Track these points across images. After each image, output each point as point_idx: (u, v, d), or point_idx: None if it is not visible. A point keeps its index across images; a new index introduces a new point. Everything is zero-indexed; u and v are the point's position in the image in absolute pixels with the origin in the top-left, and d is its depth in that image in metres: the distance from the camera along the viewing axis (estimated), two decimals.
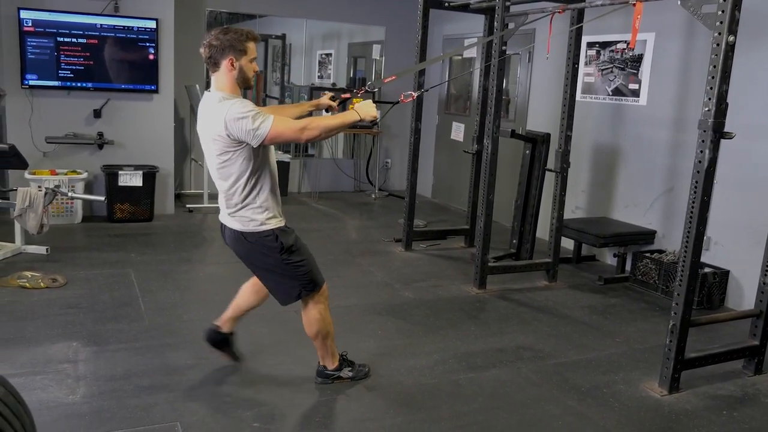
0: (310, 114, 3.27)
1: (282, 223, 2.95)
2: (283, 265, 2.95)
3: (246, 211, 2.86)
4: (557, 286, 5.11)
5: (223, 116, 2.66)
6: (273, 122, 2.67)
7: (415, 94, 3.33)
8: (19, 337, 3.62)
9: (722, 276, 4.79)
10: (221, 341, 3.38)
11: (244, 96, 2.90)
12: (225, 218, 2.98)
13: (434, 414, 3.07)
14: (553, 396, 3.30)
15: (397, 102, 3.33)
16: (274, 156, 3.00)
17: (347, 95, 3.33)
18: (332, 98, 3.26)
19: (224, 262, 5.37)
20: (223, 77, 2.78)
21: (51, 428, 2.76)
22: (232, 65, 2.75)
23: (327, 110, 3.28)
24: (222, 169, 2.82)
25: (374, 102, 3.00)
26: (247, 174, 2.80)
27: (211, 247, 5.85)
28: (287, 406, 3.09)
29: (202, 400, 3.06)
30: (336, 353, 3.28)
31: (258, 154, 2.79)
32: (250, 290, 3.33)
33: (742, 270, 4.73)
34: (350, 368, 3.30)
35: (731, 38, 3.05)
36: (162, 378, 3.25)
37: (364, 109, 2.91)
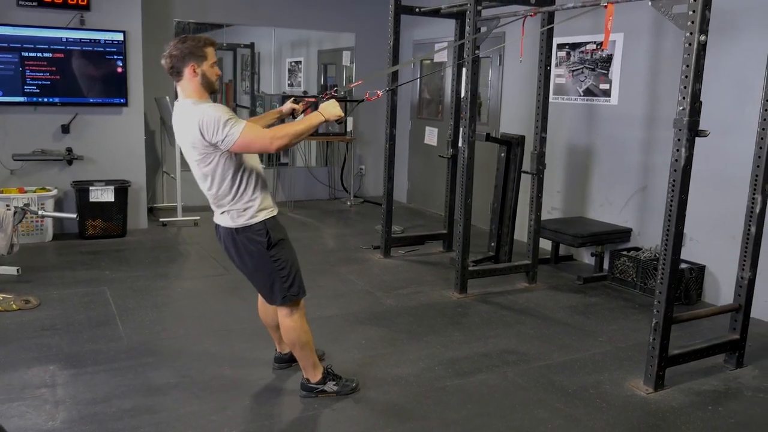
0: (277, 123, 3.27)
1: (273, 213, 3.01)
2: (271, 262, 2.99)
3: (236, 206, 2.92)
4: (537, 287, 5.13)
5: (198, 120, 2.73)
6: (243, 130, 2.73)
7: (380, 92, 3.37)
8: None
9: (699, 271, 4.85)
10: (290, 359, 3.48)
11: (214, 100, 2.93)
12: (217, 218, 3.03)
13: (424, 423, 3.04)
14: (541, 399, 3.30)
15: (362, 100, 3.38)
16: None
17: (313, 99, 3.32)
18: (295, 101, 3.30)
19: (201, 276, 5.30)
20: (188, 84, 2.84)
21: None
22: (194, 71, 2.82)
23: (292, 115, 3.30)
24: (207, 173, 2.87)
25: (342, 101, 3.02)
26: (232, 172, 2.86)
27: (188, 261, 5.76)
28: (273, 422, 3.05)
29: (187, 420, 2.99)
30: (318, 365, 3.24)
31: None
32: (266, 309, 3.40)
33: (718, 265, 4.80)
34: (335, 382, 3.25)
35: (703, 38, 3.09)
36: (144, 399, 3.17)
37: (328, 109, 2.99)
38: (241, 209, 2.92)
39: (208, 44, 2.85)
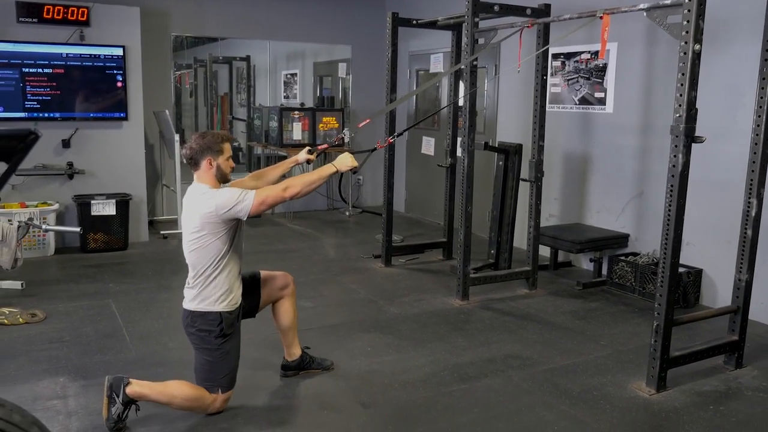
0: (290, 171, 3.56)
1: (234, 307, 3.10)
2: (215, 349, 3.05)
3: (203, 290, 3.03)
4: (537, 293, 5.19)
5: (215, 200, 2.95)
6: (256, 194, 2.96)
7: (391, 139, 3.73)
8: (3, 376, 3.54)
9: (696, 275, 4.93)
10: (297, 366, 3.58)
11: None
12: (184, 302, 3.13)
13: (432, 428, 3.09)
14: (546, 402, 3.36)
15: (375, 149, 3.69)
16: (243, 242, 3.23)
17: (324, 146, 3.54)
18: (309, 151, 3.51)
19: None
20: (204, 174, 3.06)
21: None
22: (210, 164, 3.03)
23: (308, 162, 3.58)
24: (197, 249, 3.01)
25: (353, 153, 3.30)
26: (220, 255, 3.01)
27: None
28: (285, 429, 3.09)
29: (197, 428, 3.04)
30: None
31: (234, 238, 3.05)
32: (276, 315, 3.49)
33: (715, 268, 4.88)
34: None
35: (697, 47, 3.18)
36: (154, 408, 3.19)
37: (341, 160, 3.25)
38: (204, 295, 3.03)
39: (225, 140, 3.08)
